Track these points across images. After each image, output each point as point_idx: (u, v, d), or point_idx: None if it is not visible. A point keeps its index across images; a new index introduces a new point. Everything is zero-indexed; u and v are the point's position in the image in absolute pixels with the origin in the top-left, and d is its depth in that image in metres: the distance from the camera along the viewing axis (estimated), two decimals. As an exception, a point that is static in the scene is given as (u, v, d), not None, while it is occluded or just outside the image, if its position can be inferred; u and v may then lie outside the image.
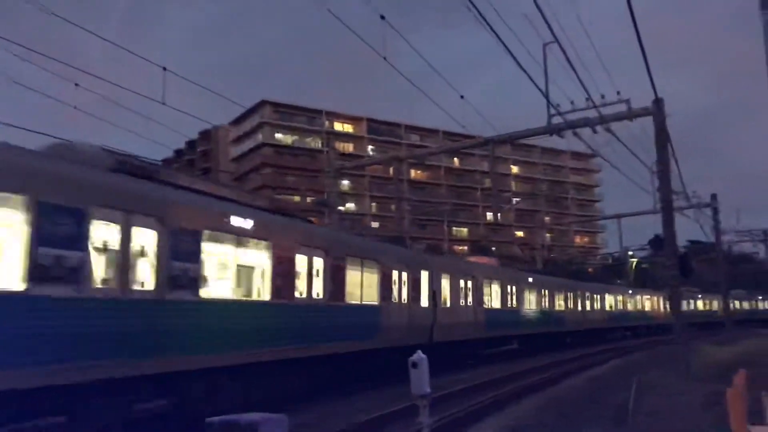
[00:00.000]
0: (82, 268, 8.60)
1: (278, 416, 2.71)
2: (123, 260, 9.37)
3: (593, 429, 10.69)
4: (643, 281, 61.68)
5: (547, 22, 10.79)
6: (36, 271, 7.86)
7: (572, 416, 12.05)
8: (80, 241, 8.61)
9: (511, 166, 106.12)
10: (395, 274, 18.34)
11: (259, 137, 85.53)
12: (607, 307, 45.66)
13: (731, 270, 59.08)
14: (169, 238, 10.11)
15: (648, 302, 52.54)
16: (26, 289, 7.77)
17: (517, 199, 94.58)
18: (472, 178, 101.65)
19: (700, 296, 61.41)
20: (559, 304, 35.46)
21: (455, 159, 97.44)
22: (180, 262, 10.27)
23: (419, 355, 5.82)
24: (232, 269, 11.73)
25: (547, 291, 33.36)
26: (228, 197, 12.53)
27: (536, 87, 14.91)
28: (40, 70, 14.65)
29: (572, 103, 20.40)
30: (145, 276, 9.77)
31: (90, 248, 8.75)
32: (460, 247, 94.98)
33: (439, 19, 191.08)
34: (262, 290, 12.57)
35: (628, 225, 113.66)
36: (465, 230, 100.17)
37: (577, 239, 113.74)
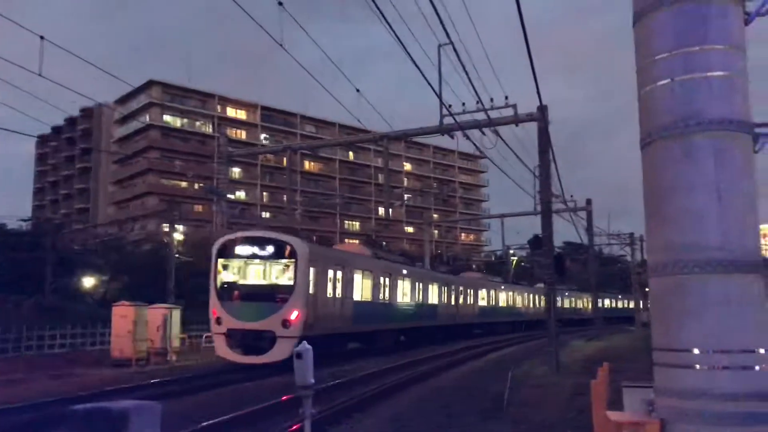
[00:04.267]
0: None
1: (150, 403, 2.60)
2: (375, 287, 26.28)
3: (470, 418, 11.15)
4: (522, 278, 64.88)
5: (442, 23, 11.09)
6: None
7: (452, 406, 12.49)
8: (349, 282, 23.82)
9: (404, 163, 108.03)
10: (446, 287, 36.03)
11: (146, 118, 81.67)
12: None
13: (601, 270, 63.42)
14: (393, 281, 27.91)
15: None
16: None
17: (409, 195, 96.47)
18: (366, 173, 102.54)
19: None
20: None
21: (350, 153, 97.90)
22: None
23: (304, 346, 5.83)
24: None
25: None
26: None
27: (430, 87, 15.27)
28: None
29: (463, 104, 21.12)
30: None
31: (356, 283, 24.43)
32: (351, 240, 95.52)
33: (338, 12, 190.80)
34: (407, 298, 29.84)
35: (511, 225, 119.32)
36: (357, 224, 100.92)
37: (463, 236, 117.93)
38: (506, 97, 21.31)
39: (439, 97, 19.60)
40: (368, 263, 26.64)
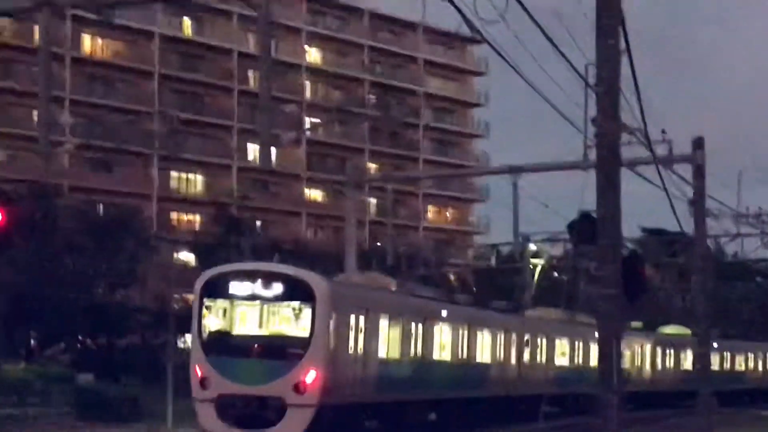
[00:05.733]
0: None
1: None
2: (405, 338, 38.34)
3: None
4: (549, 301, 65.75)
5: None
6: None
7: None
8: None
9: (306, 47, 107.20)
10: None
11: None
12: None
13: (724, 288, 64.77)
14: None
15: None
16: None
17: (316, 120, 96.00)
18: (221, 67, 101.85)
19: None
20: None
21: (185, 20, 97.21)
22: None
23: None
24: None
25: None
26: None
27: None
28: None
29: None
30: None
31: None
32: (188, 217, 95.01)
33: None
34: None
35: (534, 191, 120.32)
36: (198, 178, 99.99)
37: (431, 213, 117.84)
38: None
39: None
40: (397, 302, 37.78)
